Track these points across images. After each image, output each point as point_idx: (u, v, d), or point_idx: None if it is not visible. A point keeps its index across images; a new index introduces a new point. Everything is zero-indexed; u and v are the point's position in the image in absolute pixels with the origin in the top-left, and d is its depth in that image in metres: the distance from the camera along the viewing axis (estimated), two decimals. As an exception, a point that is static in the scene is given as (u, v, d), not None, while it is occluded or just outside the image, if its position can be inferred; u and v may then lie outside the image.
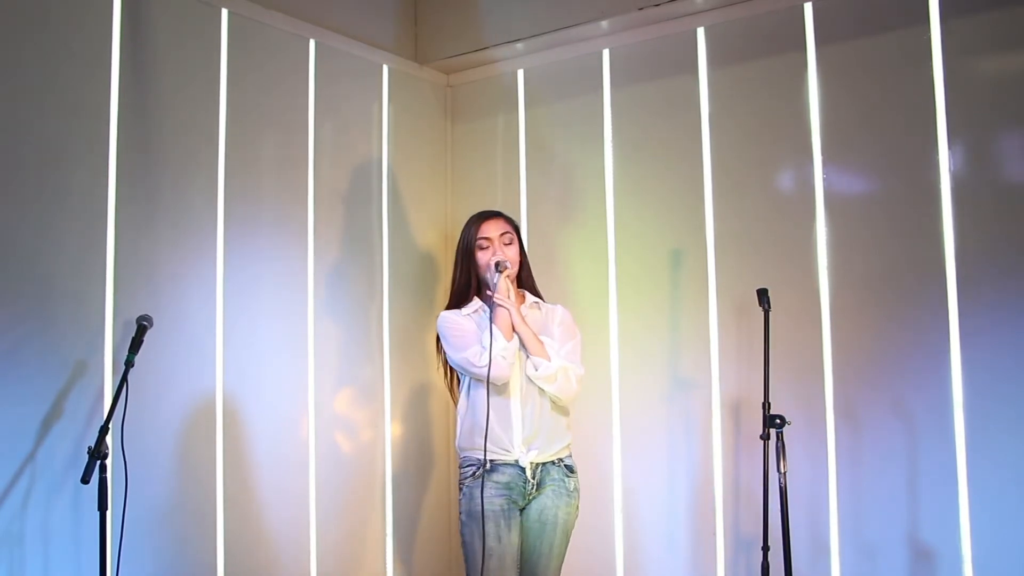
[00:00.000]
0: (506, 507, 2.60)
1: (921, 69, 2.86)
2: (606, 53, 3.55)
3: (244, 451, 3.02)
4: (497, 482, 2.61)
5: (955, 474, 2.73)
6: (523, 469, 2.62)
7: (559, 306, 2.82)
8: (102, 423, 2.31)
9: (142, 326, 2.47)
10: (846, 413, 2.95)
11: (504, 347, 2.57)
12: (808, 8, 3.07)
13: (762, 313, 2.70)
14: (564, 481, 2.67)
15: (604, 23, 3.43)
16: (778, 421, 2.57)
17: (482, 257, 2.72)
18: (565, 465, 2.69)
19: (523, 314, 2.70)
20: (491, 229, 2.74)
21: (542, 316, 2.76)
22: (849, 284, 2.97)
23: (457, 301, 2.79)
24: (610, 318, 3.47)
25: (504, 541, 2.57)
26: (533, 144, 3.74)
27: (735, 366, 3.17)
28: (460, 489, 2.69)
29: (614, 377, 3.45)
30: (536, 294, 2.85)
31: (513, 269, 2.72)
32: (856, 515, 2.91)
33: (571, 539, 2.74)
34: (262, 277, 3.14)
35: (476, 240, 2.73)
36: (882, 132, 2.94)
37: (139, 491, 2.60)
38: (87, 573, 2.48)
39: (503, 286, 2.63)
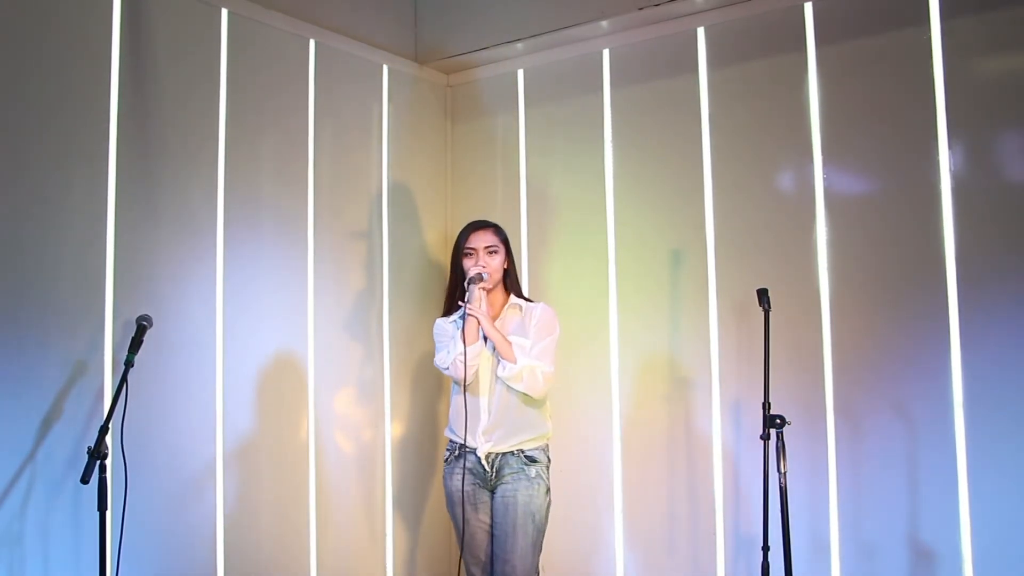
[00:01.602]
0: (471, 490, 2.88)
1: (921, 69, 2.86)
2: (606, 53, 3.55)
3: (244, 451, 3.02)
4: (464, 468, 2.89)
5: (955, 474, 2.73)
6: (480, 458, 2.85)
7: (540, 304, 2.96)
8: (102, 423, 2.31)
9: (142, 326, 2.47)
10: (846, 413, 2.95)
11: (461, 351, 2.82)
12: (808, 8, 3.07)
13: (762, 313, 2.70)
14: (523, 469, 2.83)
15: (604, 23, 3.43)
16: (778, 421, 2.57)
17: (466, 264, 2.93)
18: (525, 456, 2.84)
19: (501, 315, 2.93)
20: (477, 240, 2.93)
21: (521, 316, 2.92)
22: (849, 284, 2.97)
23: (449, 306, 3.02)
24: (610, 318, 3.47)
25: (472, 522, 2.88)
26: (533, 144, 3.75)
27: (735, 366, 3.17)
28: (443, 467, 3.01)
29: (614, 377, 3.45)
30: (521, 296, 3.00)
31: (492, 278, 2.90)
32: (856, 515, 2.91)
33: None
34: (262, 277, 3.14)
35: (463, 249, 2.95)
36: (882, 132, 2.94)
37: (139, 491, 2.60)
38: (87, 573, 2.48)
39: (475, 296, 2.83)
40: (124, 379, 2.36)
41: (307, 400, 3.27)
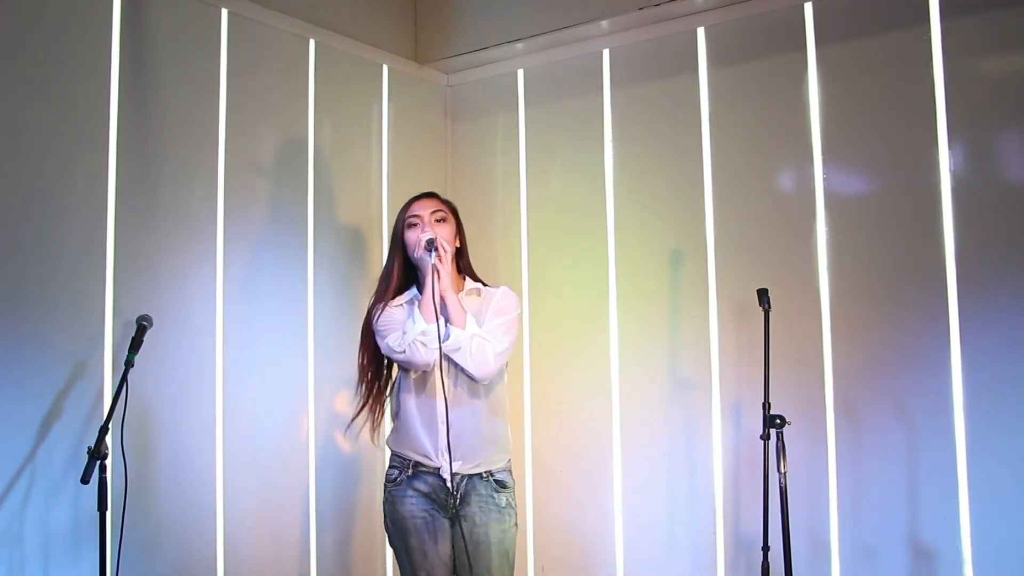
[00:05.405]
0: (429, 518, 2.48)
1: (921, 69, 2.85)
2: (606, 53, 3.55)
3: (244, 451, 3.02)
4: (418, 490, 2.49)
5: (955, 474, 2.73)
6: (444, 480, 2.46)
7: (501, 288, 2.62)
8: (102, 423, 2.31)
9: (142, 326, 2.47)
10: (846, 413, 2.94)
11: (423, 330, 2.40)
12: (808, 8, 3.07)
13: (762, 313, 2.70)
14: (493, 497, 2.48)
15: (604, 23, 3.43)
16: (778, 421, 2.57)
17: (411, 236, 2.54)
18: (495, 480, 2.50)
19: (458, 300, 2.53)
20: (421, 207, 2.57)
21: (480, 302, 2.59)
22: (849, 284, 2.97)
23: (384, 288, 2.59)
24: (610, 319, 3.47)
25: (431, 555, 2.48)
26: (533, 144, 3.75)
27: (735, 366, 3.17)
28: (384, 488, 2.58)
29: (614, 377, 3.45)
30: (476, 279, 2.67)
31: (446, 251, 2.50)
32: (856, 515, 2.91)
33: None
34: (262, 277, 3.14)
35: (406, 220, 2.57)
36: (882, 132, 2.94)
37: (139, 491, 2.60)
38: (87, 573, 2.48)
39: (429, 263, 2.44)
40: (124, 379, 2.36)
41: (307, 400, 3.27)
